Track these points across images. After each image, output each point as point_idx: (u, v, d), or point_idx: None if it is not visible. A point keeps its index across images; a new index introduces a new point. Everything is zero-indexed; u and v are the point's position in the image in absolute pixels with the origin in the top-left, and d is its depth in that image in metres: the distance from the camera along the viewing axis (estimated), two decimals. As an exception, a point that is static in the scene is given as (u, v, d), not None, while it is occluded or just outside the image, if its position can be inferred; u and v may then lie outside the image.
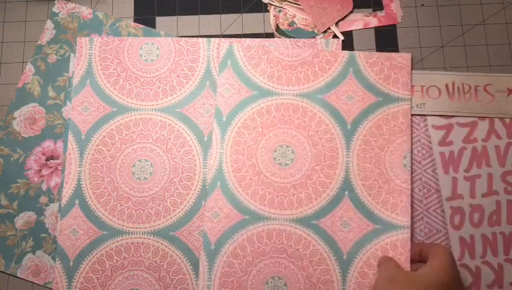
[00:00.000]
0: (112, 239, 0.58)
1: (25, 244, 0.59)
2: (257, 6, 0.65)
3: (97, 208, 0.59)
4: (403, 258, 0.56)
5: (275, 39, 0.63)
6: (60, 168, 0.60)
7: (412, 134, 0.60)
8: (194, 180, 0.59)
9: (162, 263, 0.58)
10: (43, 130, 0.61)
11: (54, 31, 0.64)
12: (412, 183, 0.59)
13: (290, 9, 0.64)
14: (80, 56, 0.62)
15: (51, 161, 0.61)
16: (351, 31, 0.64)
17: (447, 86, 0.61)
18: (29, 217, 0.59)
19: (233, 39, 0.62)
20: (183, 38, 0.62)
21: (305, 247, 0.57)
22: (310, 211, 0.58)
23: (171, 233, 0.58)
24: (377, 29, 0.64)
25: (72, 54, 0.63)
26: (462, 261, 0.58)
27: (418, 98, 0.60)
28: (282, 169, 0.59)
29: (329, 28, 0.64)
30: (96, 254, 0.58)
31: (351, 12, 0.64)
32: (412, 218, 0.58)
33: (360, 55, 0.61)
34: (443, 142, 0.60)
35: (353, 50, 0.63)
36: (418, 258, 0.54)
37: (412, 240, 0.57)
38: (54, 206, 0.60)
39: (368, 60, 0.60)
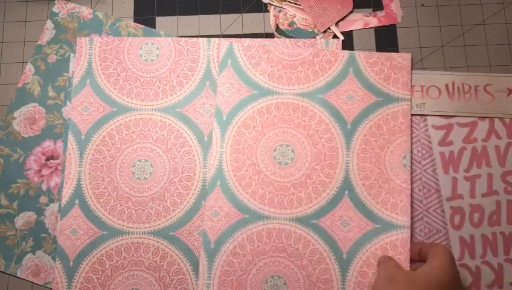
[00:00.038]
0: (111, 239, 0.58)
1: (25, 244, 0.59)
2: (257, 6, 0.65)
3: (97, 208, 0.59)
4: (403, 257, 0.56)
5: (275, 39, 0.63)
6: (60, 168, 0.60)
7: (412, 134, 0.60)
8: (194, 180, 0.59)
9: (162, 263, 0.57)
10: (43, 130, 0.61)
11: (54, 31, 0.64)
12: (412, 183, 0.59)
13: (290, 9, 0.64)
14: (80, 56, 0.62)
15: (51, 161, 0.61)
16: (351, 31, 0.64)
17: (447, 86, 0.61)
18: (29, 217, 0.59)
19: (233, 39, 0.63)
20: (183, 38, 0.62)
21: (304, 246, 0.57)
22: (309, 210, 0.58)
23: (171, 233, 0.58)
24: (377, 29, 0.64)
25: (72, 54, 0.63)
26: (462, 261, 0.58)
27: (418, 98, 0.60)
28: (282, 168, 0.59)
29: (329, 28, 0.64)
30: (96, 254, 0.58)
31: (351, 12, 0.64)
32: (412, 218, 0.58)
33: (360, 55, 0.61)
34: (443, 142, 0.60)
35: (353, 50, 0.63)
36: (418, 257, 0.54)
37: (411, 240, 0.57)
38: (54, 206, 0.60)
39: (368, 60, 0.61)
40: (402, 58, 0.60)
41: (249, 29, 0.64)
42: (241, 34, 0.64)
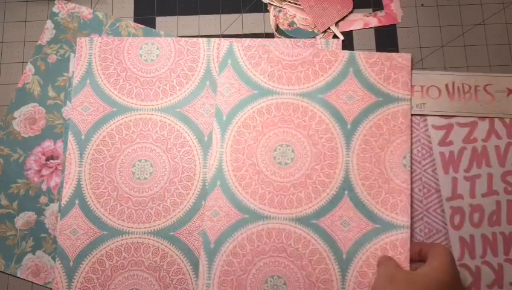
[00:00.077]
0: (111, 239, 0.58)
1: (25, 244, 0.59)
2: (257, 6, 0.65)
3: (97, 208, 0.59)
4: (403, 257, 0.56)
5: (275, 39, 0.63)
6: (60, 168, 0.60)
7: (411, 134, 0.60)
8: (194, 180, 0.59)
9: (162, 263, 0.57)
10: (43, 130, 0.61)
11: (54, 31, 0.64)
12: (412, 183, 0.59)
13: (290, 9, 0.64)
14: (80, 56, 0.62)
15: (51, 161, 0.61)
16: (351, 31, 0.64)
17: (447, 86, 0.61)
18: (29, 217, 0.59)
19: (233, 39, 0.63)
20: (183, 38, 0.62)
21: (304, 246, 0.57)
22: (309, 210, 0.58)
23: (171, 233, 0.58)
24: (377, 29, 0.64)
25: (72, 54, 0.63)
26: (462, 261, 0.58)
27: (418, 98, 0.60)
28: (282, 168, 0.59)
29: (329, 28, 0.64)
30: (96, 254, 0.58)
31: (351, 12, 0.64)
32: (412, 218, 0.58)
33: (360, 55, 0.61)
34: (443, 142, 0.60)
35: (353, 50, 0.63)
36: (418, 257, 0.54)
37: (411, 240, 0.57)
38: (54, 206, 0.60)
39: (368, 60, 0.61)
40: (402, 58, 0.60)
41: (249, 29, 0.64)
42: (241, 34, 0.64)
